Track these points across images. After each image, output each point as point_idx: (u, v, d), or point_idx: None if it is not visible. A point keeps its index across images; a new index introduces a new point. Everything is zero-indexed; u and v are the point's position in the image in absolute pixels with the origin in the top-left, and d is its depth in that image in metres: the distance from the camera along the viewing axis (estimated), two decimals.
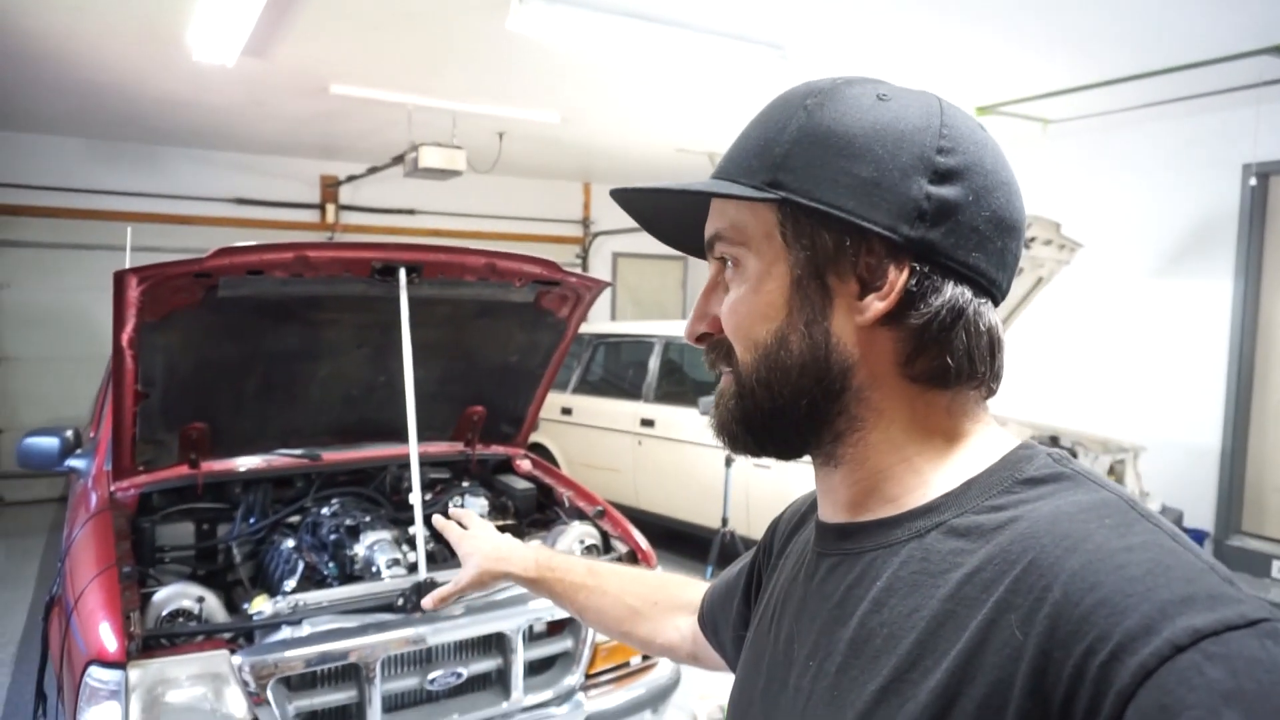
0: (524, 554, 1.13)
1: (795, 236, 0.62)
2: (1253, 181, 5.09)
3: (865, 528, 0.64)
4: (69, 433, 3.25)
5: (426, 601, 1.15)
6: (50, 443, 3.17)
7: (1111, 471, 4.72)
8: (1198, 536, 5.27)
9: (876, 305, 0.60)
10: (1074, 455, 4.67)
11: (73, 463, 3.15)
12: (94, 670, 1.93)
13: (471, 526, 1.20)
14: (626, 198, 0.71)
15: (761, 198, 0.62)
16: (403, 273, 2.55)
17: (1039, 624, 0.48)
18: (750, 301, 0.64)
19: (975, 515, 0.58)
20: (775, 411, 0.64)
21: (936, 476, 0.62)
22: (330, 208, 7.87)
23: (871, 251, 0.60)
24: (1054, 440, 4.81)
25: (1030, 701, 0.47)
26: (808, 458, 0.69)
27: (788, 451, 0.67)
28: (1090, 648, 0.46)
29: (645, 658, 2.73)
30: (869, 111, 0.62)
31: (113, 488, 2.63)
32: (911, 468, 0.63)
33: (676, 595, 1.04)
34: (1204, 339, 5.45)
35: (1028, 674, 0.48)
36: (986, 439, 0.64)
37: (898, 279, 0.59)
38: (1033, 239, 4.35)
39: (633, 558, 2.81)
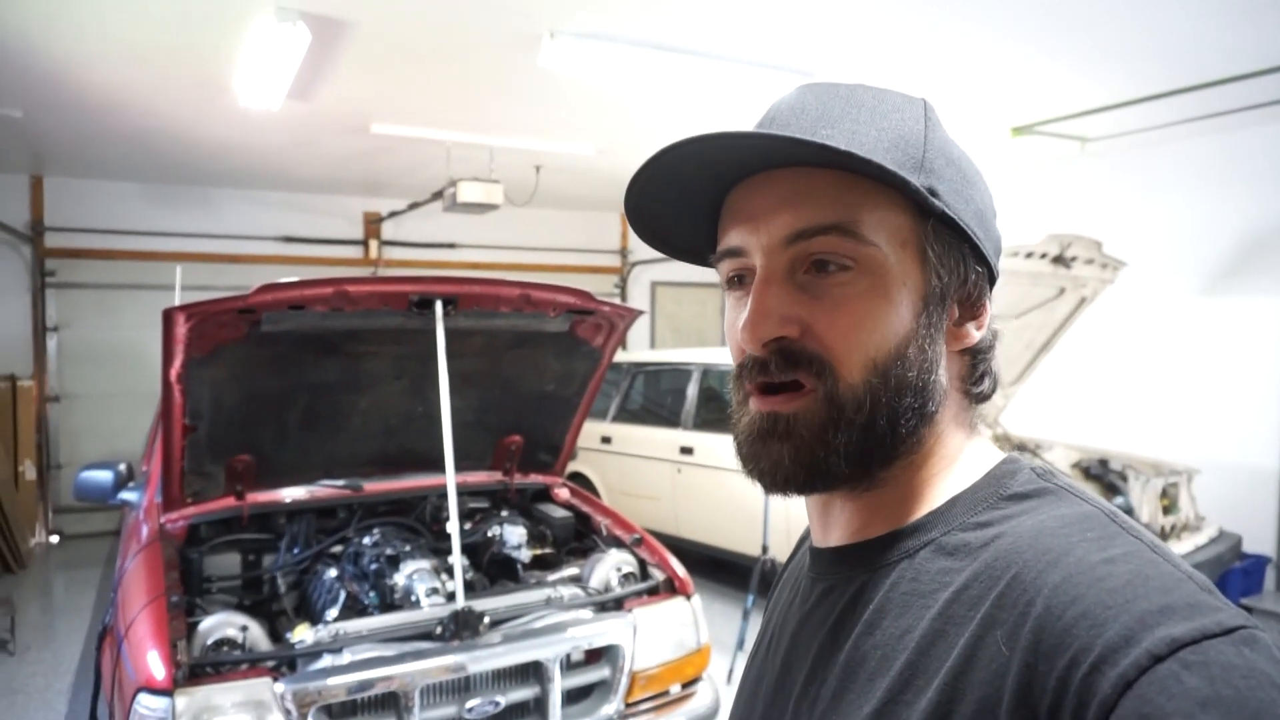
0: None
1: (940, 251, 0.60)
2: None
3: (857, 550, 0.64)
4: (122, 466, 3.35)
5: None
6: (105, 476, 3.27)
7: (1165, 495, 4.59)
8: (1260, 562, 5.08)
9: (974, 333, 0.64)
10: (1125, 479, 4.55)
11: (125, 495, 3.25)
12: (143, 697, 1.98)
13: None
14: (721, 145, 0.57)
15: (938, 207, 0.59)
16: (439, 305, 2.60)
17: (1023, 639, 0.49)
18: (882, 311, 0.59)
19: (962, 533, 0.58)
20: (878, 439, 0.60)
21: (934, 492, 0.63)
22: (373, 243, 8.05)
23: (979, 280, 0.63)
24: (1104, 464, 4.70)
25: (1017, 716, 0.48)
26: None
27: (855, 482, 0.62)
28: (1073, 660, 0.46)
29: (684, 686, 2.71)
30: (955, 142, 0.64)
31: (162, 519, 2.70)
32: (929, 484, 0.63)
33: None
34: (1257, 357, 5.29)
35: (1014, 689, 0.48)
36: (978, 451, 0.65)
37: (988, 308, 0.64)
38: (1074, 258, 4.28)
39: (670, 586, 2.80)
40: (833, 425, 0.59)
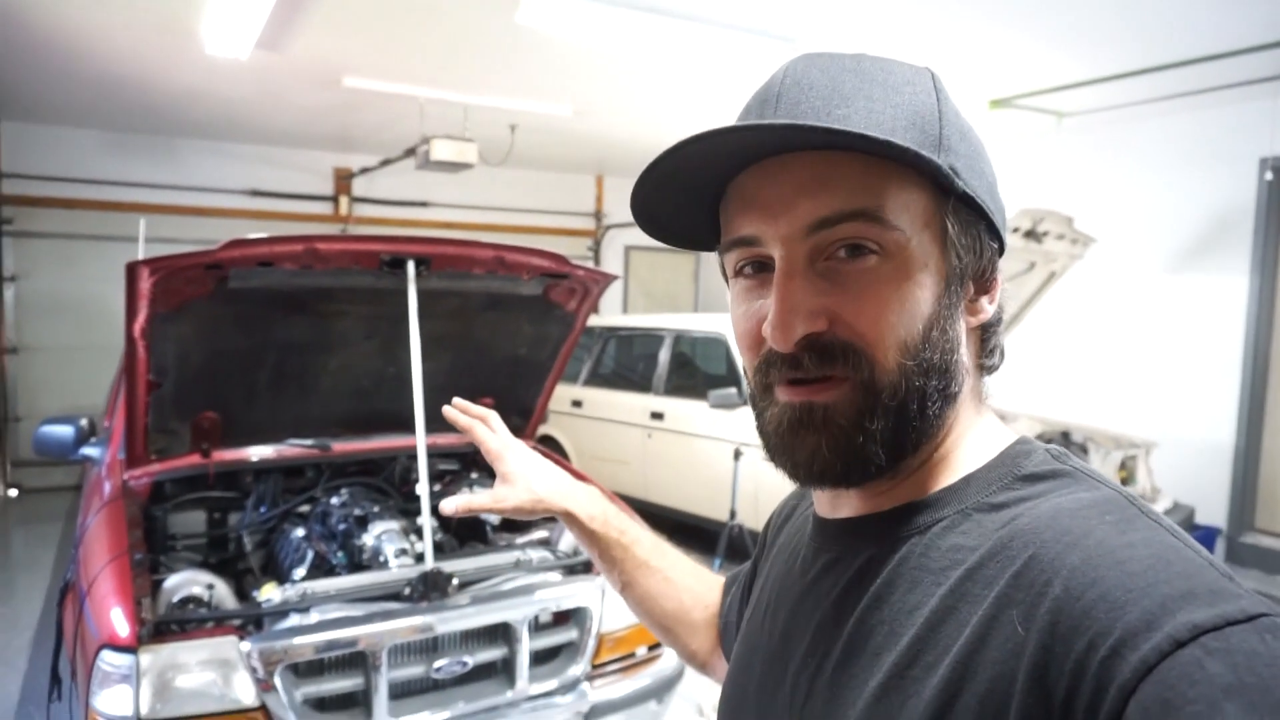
0: (588, 498, 0.97)
1: (959, 230, 0.59)
2: (1269, 176, 5.04)
3: (865, 523, 0.64)
4: (84, 421, 3.29)
5: (447, 505, 0.91)
6: (65, 431, 3.21)
7: (1123, 467, 4.70)
8: (1210, 533, 5.24)
9: (988, 308, 0.63)
10: (1085, 451, 4.65)
11: (87, 451, 3.19)
12: (106, 654, 1.96)
13: (509, 440, 1.00)
14: (736, 139, 0.56)
15: (960, 187, 0.57)
16: (411, 265, 2.57)
17: (1040, 619, 0.48)
18: (907, 295, 0.57)
19: (976, 512, 0.58)
20: (909, 424, 0.59)
21: (946, 469, 0.62)
22: (344, 200, 7.91)
23: (990, 256, 0.62)
24: (1065, 436, 4.79)
25: (1032, 697, 0.47)
26: None
27: (887, 471, 0.60)
28: (1091, 643, 0.46)
29: (651, 648, 2.75)
30: (961, 112, 0.62)
31: (126, 476, 2.66)
32: (943, 461, 0.62)
33: (718, 599, 0.97)
34: (1218, 334, 5.41)
35: (1029, 669, 0.48)
36: (989, 429, 0.65)
37: (1000, 281, 0.63)
38: (1045, 233, 4.32)
39: None
40: (869, 412, 0.58)
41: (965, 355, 0.62)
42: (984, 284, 0.62)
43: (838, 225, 0.56)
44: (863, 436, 0.58)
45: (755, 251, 0.61)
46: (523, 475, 0.95)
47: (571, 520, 0.96)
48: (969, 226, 0.59)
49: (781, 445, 0.61)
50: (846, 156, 0.56)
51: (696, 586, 0.98)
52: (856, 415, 0.58)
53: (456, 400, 1.02)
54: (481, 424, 1.00)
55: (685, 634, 0.96)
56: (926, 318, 0.58)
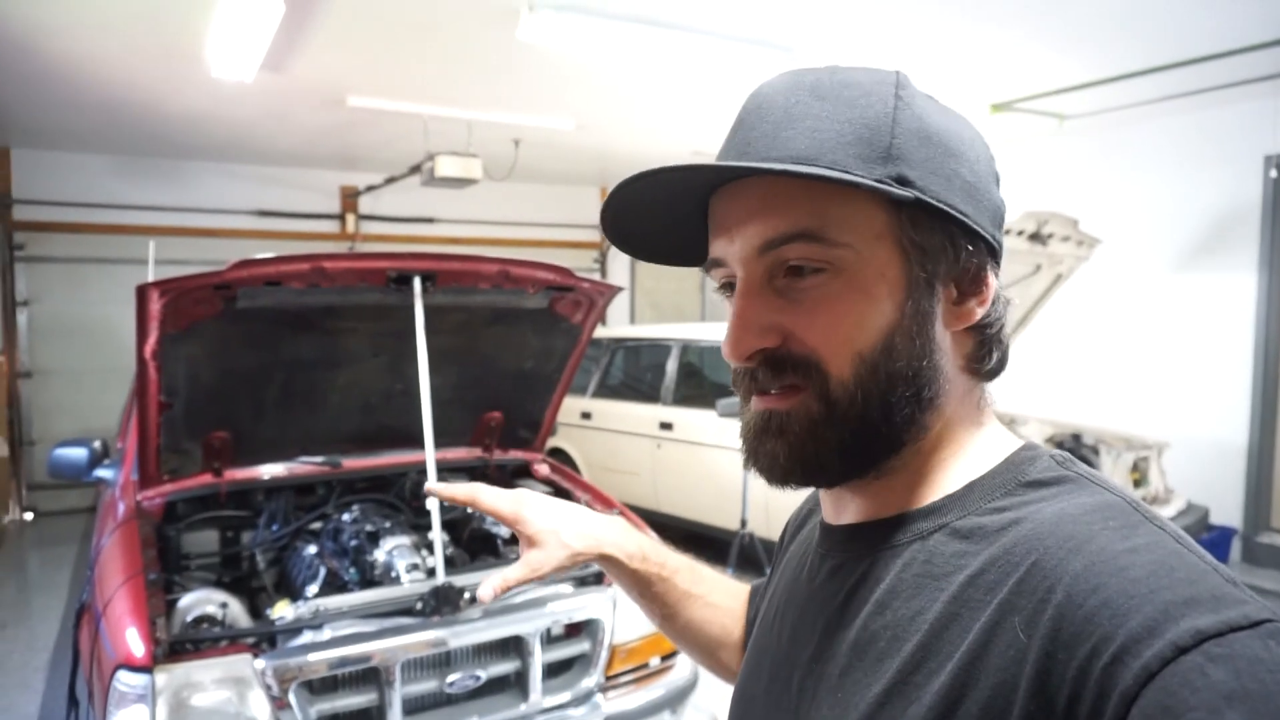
0: (623, 535, 0.91)
1: (918, 239, 0.58)
2: (1273, 173, 5.03)
3: (869, 529, 0.64)
4: (97, 443, 3.32)
5: (484, 591, 0.84)
6: (79, 453, 3.23)
7: (1136, 469, 4.67)
8: (1226, 534, 5.19)
9: (977, 310, 0.62)
10: (1097, 453, 4.63)
11: (101, 473, 3.21)
12: (122, 674, 1.98)
13: (518, 496, 0.91)
14: (659, 180, 0.59)
15: (905, 196, 0.57)
16: (417, 281, 2.59)
17: (1042, 626, 0.48)
18: (861, 308, 0.58)
19: (978, 517, 0.58)
20: (873, 430, 0.59)
21: (948, 476, 0.62)
22: (350, 218, 7.96)
23: (975, 256, 0.61)
24: (1076, 438, 4.77)
25: (1034, 703, 0.47)
26: None
27: (855, 475, 0.62)
28: (1094, 649, 0.46)
29: (664, 659, 2.75)
30: (941, 112, 0.62)
31: (139, 497, 2.68)
32: (941, 468, 0.62)
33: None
34: (1228, 333, 5.38)
35: (1032, 676, 0.48)
36: (994, 435, 0.65)
37: (992, 283, 0.62)
38: (1050, 235, 4.32)
39: None
40: (825, 422, 0.59)
41: (944, 361, 0.61)
42: (970, 287, 0.61)
43: (783, 246, 0.58)
44: (817, 445, 0.60)
45: (726, 271, 0.64)
46: (550, 532, 0.88)
47: (612, 564, 0.90)
48: (934, 232, 0.59)
49: (750, 449, 0.64)
50: (792, 179, 0.57)
51: (736, 606, 0.95)
52: (811, 424, 0.60)
53: (431, 486, 0.97)
54: (480, 494, 0.92)
55: (729, 657, 0.94)
56: (885, 328, 0.58)
